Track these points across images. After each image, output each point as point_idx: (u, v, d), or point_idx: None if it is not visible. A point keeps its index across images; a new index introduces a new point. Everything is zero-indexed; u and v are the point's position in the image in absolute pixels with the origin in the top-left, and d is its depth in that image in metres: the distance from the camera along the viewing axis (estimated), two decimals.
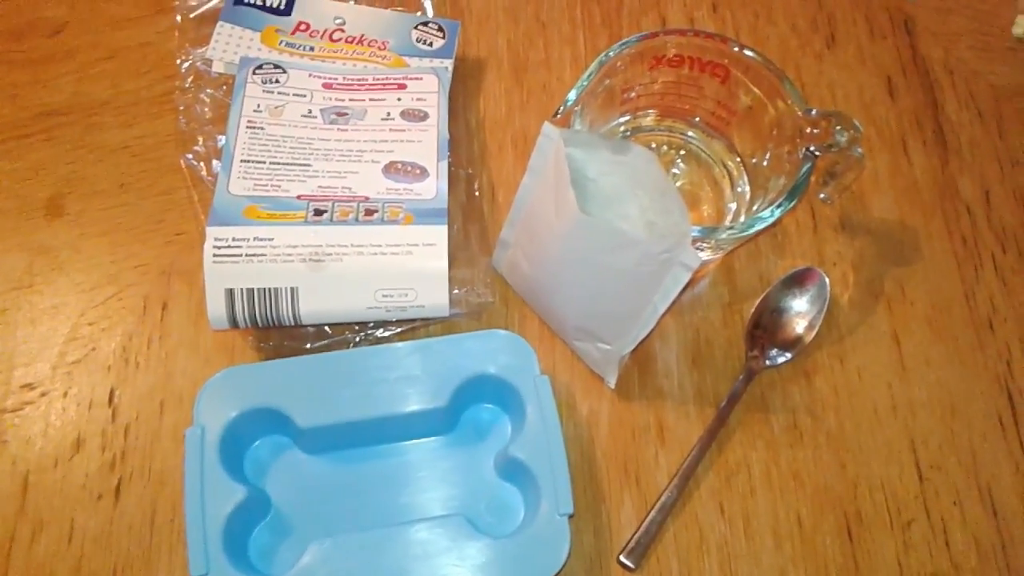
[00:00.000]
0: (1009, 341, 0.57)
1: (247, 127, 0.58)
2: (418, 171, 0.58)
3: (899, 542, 0.52)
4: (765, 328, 0.56)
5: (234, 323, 0.52)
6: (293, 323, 0.53)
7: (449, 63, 0.63)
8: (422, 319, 0.56)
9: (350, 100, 0.61)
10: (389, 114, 0.60)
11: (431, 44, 0.64)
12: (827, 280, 0.56)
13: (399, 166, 0.58)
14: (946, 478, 0.54)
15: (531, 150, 0.59)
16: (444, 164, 0.58)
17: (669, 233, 0.46)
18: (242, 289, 0.52)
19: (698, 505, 0.53)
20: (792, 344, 0.56)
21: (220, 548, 0.47)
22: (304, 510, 0.51)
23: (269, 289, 0.52)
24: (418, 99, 0.61)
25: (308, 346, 0.56)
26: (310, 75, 0.61)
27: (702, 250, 0.53)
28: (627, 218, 0.49)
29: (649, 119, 0.60)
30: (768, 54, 0.65)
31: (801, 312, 0.56)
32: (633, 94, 0.58)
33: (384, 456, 0.53)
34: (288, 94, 0.60)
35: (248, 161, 0.57)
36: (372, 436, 0.52)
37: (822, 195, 0.56)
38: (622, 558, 0.51)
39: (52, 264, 0.58)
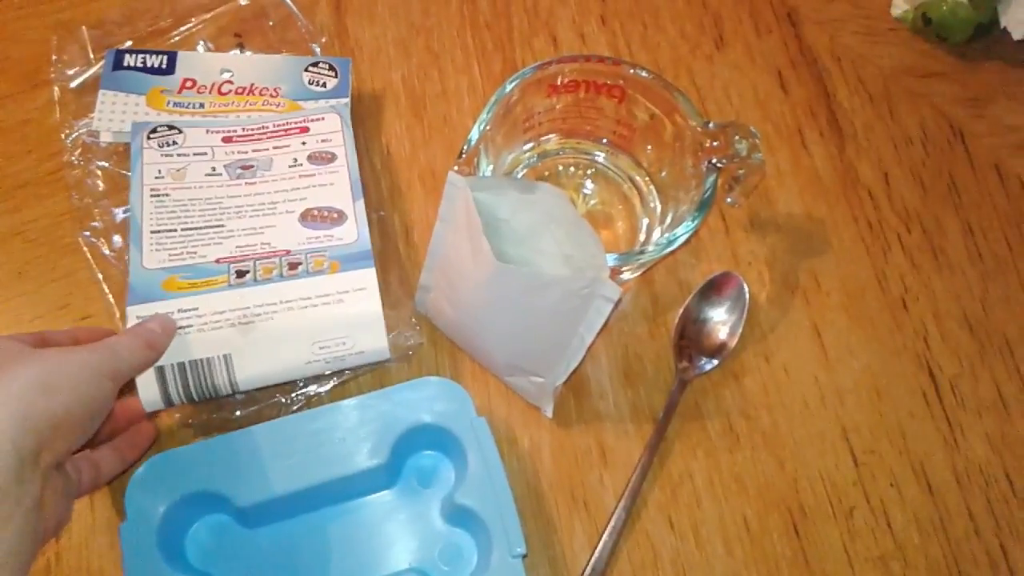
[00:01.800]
0: (924, 318, 0.59)
1: (151, 196, 0.56)
2: (335, 215, 0.57)
3: (844, 530, 0.53)
4: (690, 339, 0.57)
5: (169, 402, 0.50)
6: (231, 391, 0.51)
7: (345, 101, 0.62)
8: (361, 365, 0.55)
9: (253, 151, 0.59)
10: (296, 160, 0.59)
11: (324, 84, 0.63)
12: (745, 284, 0.57)
13: (315, 213, 0.57)
14: (881, 461, 0.55)
15: (439, 185, 0.59)
16: (360, 204, 0.57)
17: (587, 266, 0.46)
18: (173, 364, 0.50)
19: (648, 522, 0.53)
20: (718, 350, 0.57)
21: None
22: None
23: (202, 360, 0.51)
24: (323, 140, 0.60)
25: (237, 414, 0.54)
26: (208, 131, 0.60)
27: (622, 272, 0.54)
28: (543, 253, 0.49)
29: (552, 143, 0.60)
30: (661, 62, 0.66)
31: (722, 320, 0.57)
32: (534, 121, 0.58)
33: (330, 520, 0.52)
34: (188, 154, 0.58)
35: (159, 231, 0.55)
36: (315, 502, 0.51)
37: (729, 199, 0.57)
38: None
39: None
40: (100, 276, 0.57)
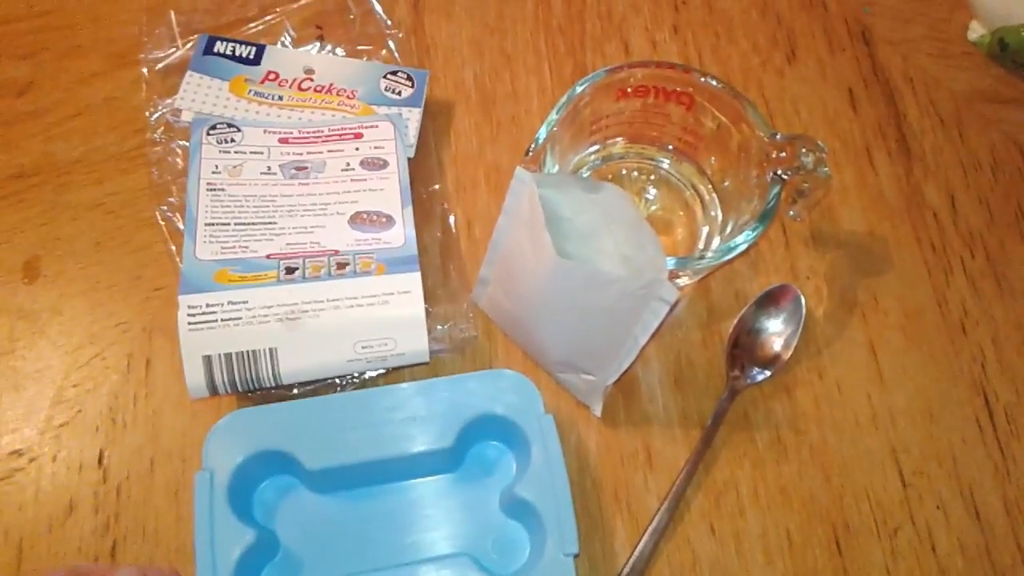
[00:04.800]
0: (982, 343, 0.59)
1: (207, 189, 0.58)
2: (384, 219, 0.58)
3: (887, 550, 0.53)
4: (744, 348, 0.57)
5: (213, 390, 0.52)
6: (274, 384, 0.53)
7: (418, 112, 0.64)
8: (400, 367, 0.56)
9: (308, 153, 0.61)
10: (348, 164, 0.60)
11: (400, 93, 0.64)
12: (802, 298, 0.57)
13: (365, 216, 0.58)
14: (929, 483, 0.55)
15: (504, 183, 0.60)
16: (409, 210, 0.58)
17: (646, 267, 0.47)
18: (220, 355, 0.52)
19: (689, 527, 0.54)
20: (771, 362, 0.57)
21: None
22: (312, 550, 0.52)
23: (248, 352, 0.52)
24: (376, 147, 0.61)
25: (295, 392, 0.56)
26: (265, 131, 0.61)
27: (679, 277, 0.54)
28: (603, 253, 0.50)
29: (618, 147, 0.61)
30: (731, 73, 0.67)
31: (777, 331, 0.57)
32: (602, 124, 0.58)
33: (390, 495, 0.53)
34: (245, 152, 0.60)
35: (212, 224, 0.56)
36: (379, 475, 0.53)
37: (791, 212, 0.57)
38: None
39: (33, 328, 0.58)
40: (173, 249, 0.59)
